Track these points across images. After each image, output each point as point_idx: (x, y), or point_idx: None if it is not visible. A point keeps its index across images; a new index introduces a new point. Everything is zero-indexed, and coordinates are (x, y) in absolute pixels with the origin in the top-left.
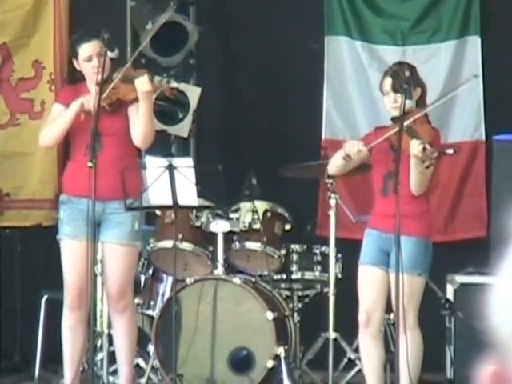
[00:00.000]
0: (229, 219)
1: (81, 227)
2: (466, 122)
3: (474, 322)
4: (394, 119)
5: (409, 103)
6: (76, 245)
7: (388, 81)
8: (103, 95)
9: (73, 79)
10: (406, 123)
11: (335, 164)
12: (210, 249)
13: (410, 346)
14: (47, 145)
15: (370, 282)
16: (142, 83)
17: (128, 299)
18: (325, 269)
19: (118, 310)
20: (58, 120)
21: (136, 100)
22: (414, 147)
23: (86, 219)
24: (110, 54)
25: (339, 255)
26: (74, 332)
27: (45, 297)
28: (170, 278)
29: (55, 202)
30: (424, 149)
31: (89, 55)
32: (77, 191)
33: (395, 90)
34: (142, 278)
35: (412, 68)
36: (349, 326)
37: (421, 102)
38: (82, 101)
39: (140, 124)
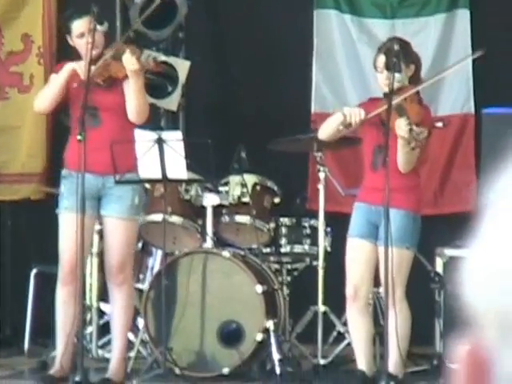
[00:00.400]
0: (218, 193)
1: (80, 201)
2: (455, 95)
3: (453, 299)
4: (385, 95)
5: (398, 77)
6: (73, 218)
7: (381, 58)
8: (93, 70)
9: (62, 53)
10: (396, 101)
11: (330, 130)
12: (200, 222)
13: (398, 320)
14: (40, 109)
15: (357, 255)
16: (129, 61)
17: (127, 273)
18: (314, 242)
19: (116, 283)
20: (50, 84)
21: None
22: (401, 128)
23: (85, 193)
24: (99, 28)
25: (329, 229)
26: (67, 306)
27: (34, 270)
28: (160, 252)
29: (43, 176)
30: (410, 130)
31: (81, 32)
32: (76, 166)
33: (388, 67)
34: None
35: (405, 43)
36: (338, 300)
37: (414, 79)
38: (74, 66)
39: (132, 100)
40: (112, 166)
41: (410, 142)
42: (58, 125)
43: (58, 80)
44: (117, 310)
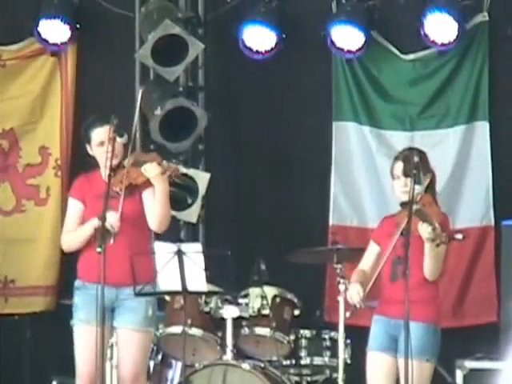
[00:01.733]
0: (238, 304)
1: (94, 313)
2: (474, 207)
3: None
4: (402, 205)
5: (418, 188)
6: (89, 330)
7: (399, 165)
8: (113, 180)
9: (77, 165)
10: (415, 207)
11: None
12: (219, 334)
13: None
14: (71, 251)
15: (378, 368)
16: (150, 168)
17: None
18: (334, 354)
19: None
20: (76, 234)
21: (149, 184)
22: (424, 229)
23: (100, 305)
24: (118, 140)
25: (348, 341)
26: None
27: (54, 383)
28: (179, 364)
29: (57, 287)
30: (434, 229)
31: (101, 140)
32: (90, 277)
33: (406, 174)
34: (151, 363)
35: (422, 154)
36: None
37: (430, 189)
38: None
39: (156, 207)
40: (126, 277)
41: (434, 239)
42: None
43: (83, 235)
44: None
